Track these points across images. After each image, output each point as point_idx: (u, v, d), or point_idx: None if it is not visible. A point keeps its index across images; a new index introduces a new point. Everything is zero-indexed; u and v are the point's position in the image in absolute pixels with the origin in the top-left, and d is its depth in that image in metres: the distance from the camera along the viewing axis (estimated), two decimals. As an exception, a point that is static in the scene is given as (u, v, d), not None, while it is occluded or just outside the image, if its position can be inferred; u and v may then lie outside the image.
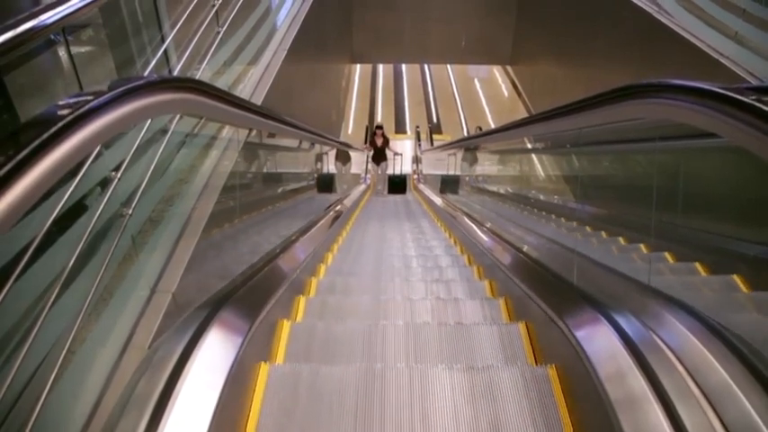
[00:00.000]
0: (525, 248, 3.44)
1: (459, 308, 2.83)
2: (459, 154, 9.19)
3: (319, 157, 7.10)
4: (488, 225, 4.93)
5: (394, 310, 2.81)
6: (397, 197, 11.48)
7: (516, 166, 5.20)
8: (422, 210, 9.48)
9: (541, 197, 4.10)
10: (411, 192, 12.19)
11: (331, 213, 6.17)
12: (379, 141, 12.23)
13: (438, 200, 9.21)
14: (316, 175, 6.70)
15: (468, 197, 7.96)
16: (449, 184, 9.69)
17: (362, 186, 12.07)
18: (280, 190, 4.37)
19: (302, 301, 2.87)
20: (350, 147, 10.81)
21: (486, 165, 7.11)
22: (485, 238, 4.44)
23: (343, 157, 10.51)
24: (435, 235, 6.42)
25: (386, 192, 12.00)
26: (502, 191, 5.70)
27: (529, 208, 4.37)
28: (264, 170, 3.90)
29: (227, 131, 3.02)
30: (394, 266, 4.24)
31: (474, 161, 7.90)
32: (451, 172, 10.36)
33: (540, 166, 4.23)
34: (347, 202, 8.40)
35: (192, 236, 2.24)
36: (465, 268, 4.16)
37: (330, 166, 8.31)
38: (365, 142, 12.58)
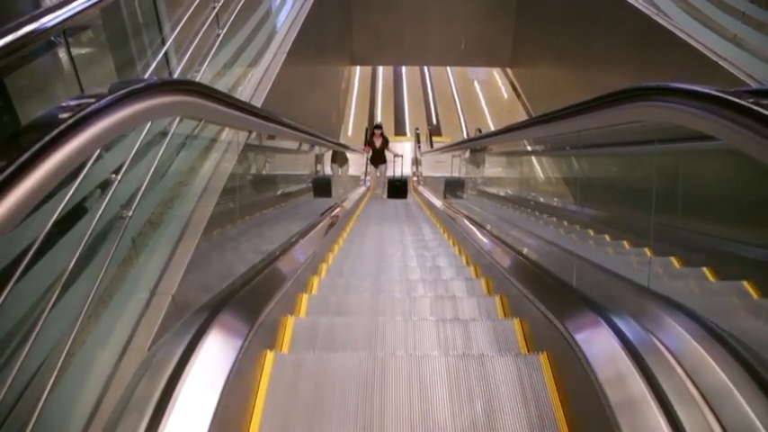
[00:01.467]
0: (560, 273, 2.56)
1: (485, 372, 1.91)
2: (464, 156, 8.82)
3: (319, 159, 7.06)
4: (504, 237, 4.12)
5: (396, 383, 1.87)
6: (398, 201, 10.82)
7: (530, 168, 4.68)
8: (424, 216, 8.78)
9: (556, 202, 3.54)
10: (411, 194, 11.72)
11: (325, 221, 5.51)
12: (378, 142, 11.47)
13: (441, 204, 8.74)
14: (311, 179, 6.33)
15: (474, 202, 7.40)
16: (452, 188, 9.18)
17: (362, 189, 11.74)
18: (270, 196, 3.96)
19: (269, 361, 1.95)
20: (347, 148, 10.41)
21: (495, 167, 6.64)
22: (504, 255, 3.54)
23: (340, 159, 10.07)
24: (443, 250, 5.41)
25: (385, 196, 11.37)
26: (513, 194, 5.21)
27: (549, 215, 3.74)
28: (257, 174, 3.69)
29: (225, 134, 3.03)
30: (395, 298, 3.21)
31: (481, 163, 7.55)
32: (453, 174, 10.17)
33: (560, 167, 3.65)
34: (344, 206, 7.84)
35: (192, 238, 2.24)
36: (485, 298, 3.15)
37: (327, 168, 8.11)
38: (365, 144, 11.98)
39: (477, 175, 7.77)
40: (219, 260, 2.62)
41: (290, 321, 2.54)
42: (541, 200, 4.30)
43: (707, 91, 1.19)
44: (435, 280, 3.71)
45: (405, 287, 3.58)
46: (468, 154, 8.50)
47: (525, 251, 3.43)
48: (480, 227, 5.04)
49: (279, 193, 4.30)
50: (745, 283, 1.57)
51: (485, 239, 4.42)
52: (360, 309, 3.02)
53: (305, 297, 3.03)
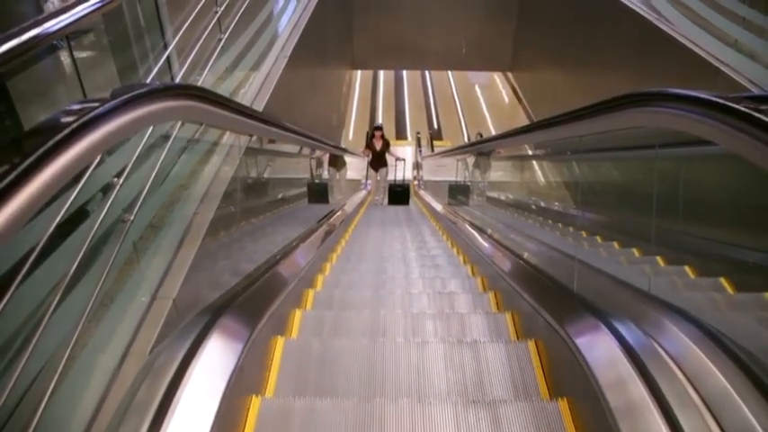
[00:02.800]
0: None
1: None
2: (469, 160, 8.40)
3: (320, 163, 6.98)
4: (525, 253, 3.47)
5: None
6: (399, 208, 10.09)
7: (546, 174, 4.22)
8: (428, 225, 8.07)
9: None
10: (412, 198, 11.26)
11: (319, 231, 4.85)
12: (379, 144, 10.55)
13: (445, 210, 8.28)
14: (307, 184, 5.92)
15: (484, 210, 6.72)
16: (457, 194, 8.58)
17: (362, 193, 11.56)
18: (263, 203, 3.62)
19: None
20: (346, 151, 10.02)
21: (504, 172, 6.16)
22: (529, 281, 2.79)
23: (338, 163, 9.48)
24: (453, 270, 4.54)
25: (385, 202, 10.65)
26: (529, 202, 4.65)
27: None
28: (252, 180, 3.40)
29: (226, 138, 3.04)
30: (397, 343, 2.32)
31: (487, 168, 7.19)
32: (454, 178, 10.05)
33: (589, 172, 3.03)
34: (342, 212, 7.26)
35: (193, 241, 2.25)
36: (514, 345, 2.27)
37: (324, 172, 7.68)
38: (366, 147, 11.15)
39: (484, 180, 7.36)
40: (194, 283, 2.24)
41: (254, 409, 1.77)
42: (564, 209, 3.64)
43: (707, 97, 1.20)
44: (448, 316, 2.84)
45: (410, 325, 2.75)
46: (473, 159, 8.20)
47: (557, 275, 2.61)
48: (495, 240, 4.26)
49: (272, 200, 4.08)
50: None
51: (501, 255, 3.67)
52: (350, 368, 2.13)
53: (280, 342, 2.23)
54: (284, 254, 3.28)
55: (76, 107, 1.04)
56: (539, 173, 4.66)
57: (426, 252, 5.57)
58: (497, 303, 3.24)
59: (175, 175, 2.58)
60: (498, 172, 6.60)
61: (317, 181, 6.71)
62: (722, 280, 1.69)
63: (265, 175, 4.00)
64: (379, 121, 16.96)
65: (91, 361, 1.59)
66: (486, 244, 4.38)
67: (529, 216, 4.65)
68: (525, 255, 3.42)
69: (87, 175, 1.54)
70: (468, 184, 8.51)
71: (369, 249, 5.71)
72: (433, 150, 14.28)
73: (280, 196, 4.43)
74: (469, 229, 5.47)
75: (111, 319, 1.73)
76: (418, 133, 14.71)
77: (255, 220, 3.31)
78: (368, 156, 10.88)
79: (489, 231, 4.86)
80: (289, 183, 5.06)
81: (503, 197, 6.17)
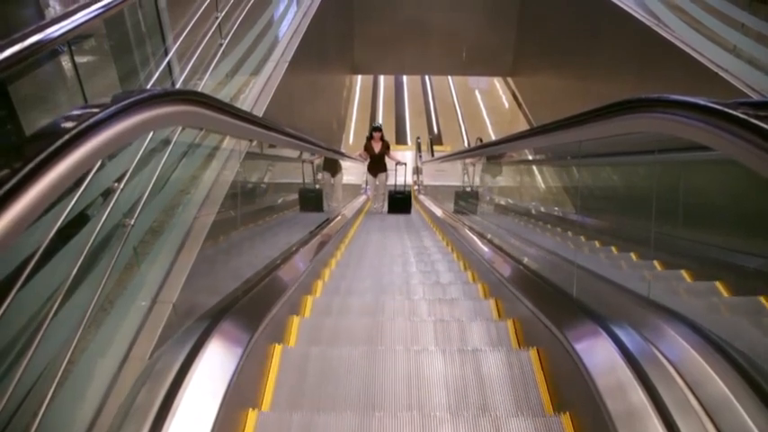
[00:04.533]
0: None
1: None
2: (477, 165, 7.79)
3: (319, 168, 6.90)
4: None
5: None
6: (400, 217, 9.48)
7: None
8: (433, 237, 7.38)
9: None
10: (412, 204, 10.70)
11: (306, 248, 4.22)
12: (377, 147, 9.65)
13: (444, 215, 7.96)
14: (298, 190, 5.52)
15: (500, 221, 5.76)
16: (464, 201, 8.13)
17: (361, 199, 11.32)
18: (252, 211, 3.26)
19: None
20: (343, 155, 9.52)
21: (516, 177, 5.51)
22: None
23: (332, 168, 8.70)
24: (473, 306, 3.34)
25: (385, 210, 10.04)
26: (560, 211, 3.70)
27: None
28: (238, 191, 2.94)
29: (221, 142, 3.04)
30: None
31: (498, 173, 6.65)
32: (453, 183, 9.92)
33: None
34: (336, 223, 6.66)
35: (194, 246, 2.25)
36: None
37: (319, 178, 7.33)
38: (363, 149, 10.05)
39: (493, 186, 6.74)
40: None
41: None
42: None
43: (705, 103, 1.20)
44: (472, 407, 1.98)
45: (415, 397, 2.01)
46: (481, 164, 7.75)
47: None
48: (519, 262, 3.50)
49: (258, 210, 3.59)
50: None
51: (530, 284, 2.89)
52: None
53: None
54: (250, 287, 2.47)
55: (77, 112, 1.04)
56: (566, 179, 3.60)
57: (436, 277, 4.54)
58: (540, 363, 2.20)
59: (176, 180, 2.59)
60: (512, 177, 5.80)
61: (311, 187, 6.24)
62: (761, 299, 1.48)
63: (266, 180, 3.98)
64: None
65: (91, 365, 1.59)
66: (508, 267, 3.55)
67: (560, 230, 3.62)
68: (557, 281, 2.61)
69: (88, 179, 1.54)
70: (476, 190, 7.72)
71: (364, 274, 4.73)
72: (433, 155, 14.29)
73: (274, 203, 4.21)
74: (483, 246, 4.70)
75: (112, 323, 1.73)
76: (418, 138, 14.72)
77: (236, 233, 2.84)
78: (365, 159, 9.96)
79: (514, 253, 3.89)
80: (281, 189, 4.79)
81: (524, 207, 5.07)
